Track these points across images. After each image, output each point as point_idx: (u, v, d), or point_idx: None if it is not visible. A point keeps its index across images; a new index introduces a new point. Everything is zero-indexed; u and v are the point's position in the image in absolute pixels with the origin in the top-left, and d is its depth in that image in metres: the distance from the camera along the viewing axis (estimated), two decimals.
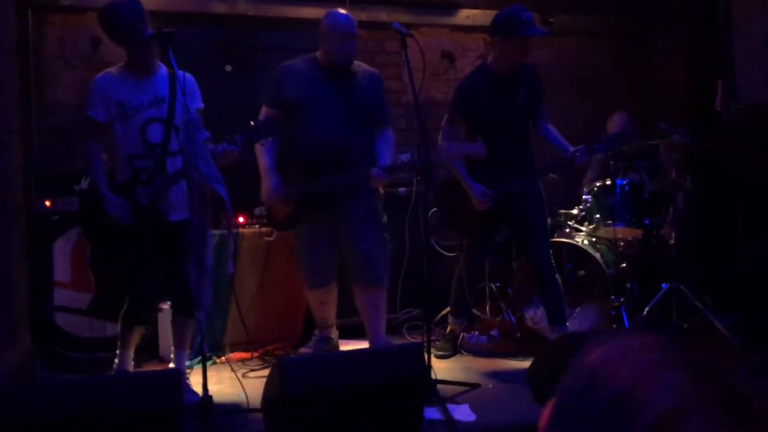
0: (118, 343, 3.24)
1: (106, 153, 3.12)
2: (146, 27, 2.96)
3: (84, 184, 3.74)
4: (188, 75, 3.06)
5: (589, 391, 0.64)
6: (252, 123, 3.08)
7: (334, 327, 3.84)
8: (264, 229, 3.96)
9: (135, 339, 3.25)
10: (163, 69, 3.12)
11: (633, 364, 0.63)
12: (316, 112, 3.37)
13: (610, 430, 0.60)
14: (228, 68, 4.62)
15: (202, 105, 3.15)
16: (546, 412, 0.69)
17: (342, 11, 3.47)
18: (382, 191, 3.60)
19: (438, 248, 4.37)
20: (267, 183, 3.45)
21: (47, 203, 3.77)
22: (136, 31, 2.93)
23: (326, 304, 3.71)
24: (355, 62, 3.54)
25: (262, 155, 3.44)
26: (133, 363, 3.29)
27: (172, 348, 3.25)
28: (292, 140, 3.39)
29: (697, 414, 0.57)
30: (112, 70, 3.11)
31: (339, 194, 3.38)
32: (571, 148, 3.57)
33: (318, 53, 3.48)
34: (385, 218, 3.57)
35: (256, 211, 4.11)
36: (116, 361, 3.24)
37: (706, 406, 0.58)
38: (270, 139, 3.11)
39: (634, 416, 0.59)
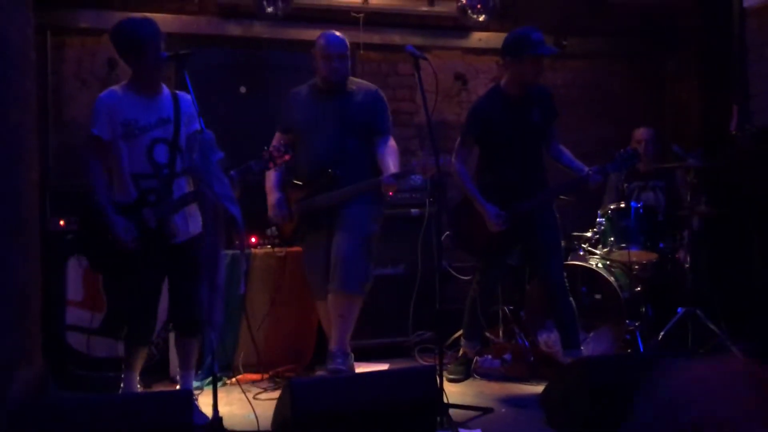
0: (123, 365, 3.22)
1: (107, 171, 3.10)
2: (158, 45, 2.98)
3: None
4: (187, 96, 3.02)
5: (668, 420, 0.59)
6: (265, 153, 3.12)
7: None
8: (277, 249, 3.98)
9: (139, 360, 3.21)
10: (166, 89, 3.13)
11: (716, 393, 0.58)
12: (313, 133, 3.56)
13: None
14: (243, 90, 4.65)
15: (199, 127, 3.16)
16: None
17: (335, 33, 3.63)
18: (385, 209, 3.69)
19: (451, 270, 4.35)
20: (270, 200, 3.66)
21: (61, 222, 3.80)
22: (155, 50, 2.96)
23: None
24: (355, 80, 3.69)
25: (269, 175, 3.64)
26: (140, 386, 3.27)
27: (179, 369, 3.22)
28: (296, 161, 3.49)
29: None
30: (116, 88, 3.10)
31: (336, 204, 3.51)
32: (586, 169, 3.56)
33: (316, 76, 3.67)
34: (375, 228, 3.57)
35: (268, 231, 4.12)
36: (122, 385, 3.21)
37: None
38: (275, 167, 3.19)
39: None
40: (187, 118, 3.05)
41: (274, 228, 4.13)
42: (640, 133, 4.64)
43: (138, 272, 3.02)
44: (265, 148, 3.19)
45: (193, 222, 3.12)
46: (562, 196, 3.98)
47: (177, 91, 3.13)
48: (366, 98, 3.60)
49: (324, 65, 3.55)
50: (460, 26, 4.96)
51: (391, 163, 3.48)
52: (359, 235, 3.46)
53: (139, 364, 3.23)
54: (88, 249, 3.14)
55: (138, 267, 3.01)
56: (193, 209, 3.13)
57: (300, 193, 3.61)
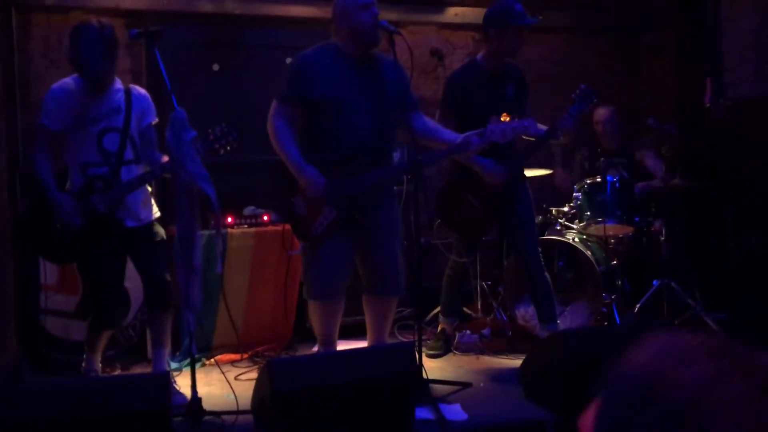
0: (85, 347, 3.26)
1: (55, 159, 3.12)
2: (110, 58, 2.99)
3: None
4: (142, 90, 3.17)
5: (645, 402, 0.57)
6: (218, 129, 3.02)
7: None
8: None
9: (102, 343, 3.28)
10: (120, 84, 3.15)
11: (696, 374, 0.56)
12: (349, 109, 3.06)
13: None
14: (215, 67, 4.58)
15: (155, 119, 3.20)
16: (588, 419, 0.63)
17: None
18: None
19: (440, 247, 4.33)
20: (308, 175, 3.03)
21: None
22: (92, 62, 2.95)
23: (335, 316, 3.32)
24: None
25: (288, 151, 3.07)
26: (101, 365, 3.31)
27: (151, 348, 3.23)
28: (319, 139, 3.11)
29: None
30: (68, 80, 3.11)
31: (369, 200, 3.14)
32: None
33: (337, 41, 3.15)
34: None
35: (245, 211, 4.09)
36: (83, 365, 3.25)
37: None
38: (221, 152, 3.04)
39: None
40: (141, 113, 3.10)
41: (253, 208, 4.09)
42: (599, 114, 4.62)
43: (91, 258, 3.08)
44: (209, 130, 3.00)
45: (146, 210, 3.17)
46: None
47: (131, 86, 3.18)
48: (394, 71, 3.15)
49: (364, 16, 3.02)
50: (436, 1, 4.91)
51: (446, 132, 3.24)
52: (399, 240, 3.37)
53: (101, 346, 3.28)
54: (34, 233, 3.18)
55: (90, 253, 3.06)
56: (148, 198, 3.19)
57: (331, 175, 3.07)
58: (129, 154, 3.08)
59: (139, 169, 3.13)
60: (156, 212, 3.25)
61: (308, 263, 3.23)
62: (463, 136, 3.14)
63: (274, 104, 3.14)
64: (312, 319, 3.40)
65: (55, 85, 3.10)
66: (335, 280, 3.17)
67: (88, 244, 3.03)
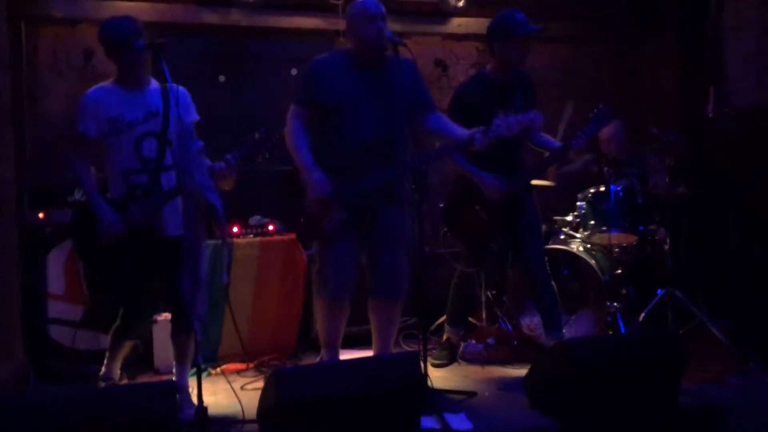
0: (107, 353, 3.24)
1: (97, 168, 3.08)
2: (139, 40, 2.94)
3: (78, 195, 3.72)
4: (181, 88, 3.05)
5: None
6: (257, 135, 3.03)
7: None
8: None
9: (124, 351, 3.26)
10: (155, 82, 3.10)
11: None
12: (355, 113, 3.16)
13: None
14: (221, 79, 4.62)
15: (197, 117, 3.14)
16: None
17: None
18: None
19: (446, 256, 4.34)
20: (314, 177, 3.11)
21: (40, 215, 3.76)
22: (128, 45, 2.92)
23: (341, 319, 3.36)
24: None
25: (299, 151, 3.16)
26: (119, 373, 3.29)
27: (174, 363, 3.21)
28: (329, 141, 3.20)
29: None
30: (104, 84, 3.08)
31: (379, 201, 3.20)
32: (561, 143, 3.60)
33: (349, 46, 3.28)
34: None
35: (251, 220, 4.11)
36: (103, 369, 3.23)
37: None
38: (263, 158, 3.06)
39: None
40: (183, 109, 2.93)
41: (258, 217, 4.12)
42: (605, 133, 4.45)
43: (126, 266, 2.99)
44: (256, 133, 3.04)
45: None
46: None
47: (169, 84, 3.01)
48: (408, 72, 3.20)
49: (369, 28, 3.13)
50: (440, 12, 4.94)
51: (457, 128, 3.24)
52: (406, 245, 3.34)
53: (122, 354, 3.26)
54: (80, 240, 3.11)
55: (126, 260, 2.98)
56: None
57: (339, 177, 3.15)
58: (168, 159, 2.99)
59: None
60: None
61: (321, 263, 3.29)
62: (468, 131, 3.15)
63: (291, 107, 3.24)
64: (318, 321, 3.42)
65: (89, 91, 3.04)
66: (346, 280, 3.23)
67: (124, 253, 2.96)
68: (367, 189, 3.14)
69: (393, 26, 4.55)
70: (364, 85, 3.19)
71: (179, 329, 3.13)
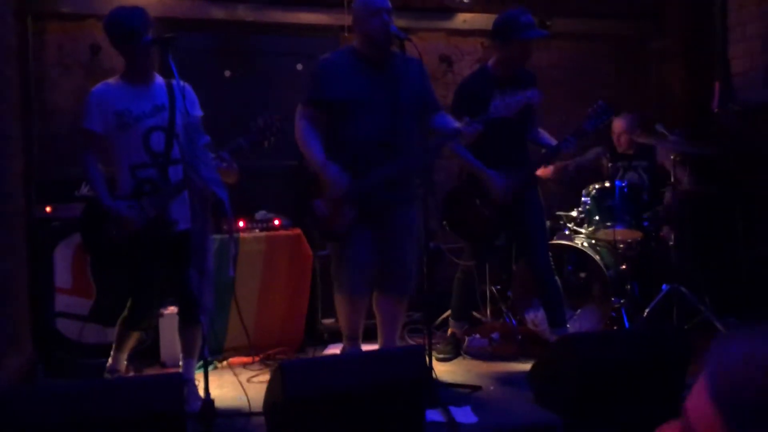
0: (114, 345, 3.25)
1: (105, 164, 3.07)
2: (148, 34, 2.95)
3: (84, 190, 3.74)
4: (187, 84, 3.04)
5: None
6: (261, 121, 3.00)
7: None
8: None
9: (131, 343, 3.27)
10: (160, 78, 3.10)
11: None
12: (363, 110, 3.15)
13: None
14: (227, 74, 4.63)
15: (201, 113, 3.14)
16: (699, 399, 0.63)
17: None
18: None
19: (447, 254, 4.34)
20: (330, 173, 3.09)
21: (48, 209, 3.78)
22: (137, 36, 2.93)
23: (361, 312, 3.41)
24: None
25: (312, 150, 3.16)
26: (125, 364, 3.30)
27: (181, 356, 3.23)
28: (337, 140, 3.19)
29: None
30: (110, 80, 3.08)
31: (389, 197, 3.21)
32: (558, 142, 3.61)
33: (355, 43, 3.27)
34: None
35: (257, 215, 4.13)
36: (109, 361, 3.25)
37: None
38: (268, 143, 3.03)
39: None
40: (189, 104, 2.95)
41: (264, 212, 4.12)
42: (617, 125, 4.61)
43: (136, 260, 3.00)
44: (259, 118, 3.01)
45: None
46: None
47: (173, 80, 3.02)
48: (413, 71, 3.21)
49: (374, 22, 3.13)
50: (445, 7, 4.95)
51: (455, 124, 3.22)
52: (416, 241, 3.37)
53: (129, 346, 3.27)
54: (88, 236, 3.10)
55: (135, 254, 2.99)
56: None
57: (350, 175, 3.14)
58: (176, 152, 2.97)
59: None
60: None
61: (337, 261, 3.33)
62: (455, 125, 3.17)
63: (299, 107, 3.24)
64: (339, 314, 3.47)
65: (95, 87, 3.04)
66: (363, 276, 3.26)
67: (136, 248, 2.96)
68: (376, 185, 3.14)
69: (398, 22, 4.55)
70: (370, 82, 3.18)
71: (187, 322, 3.15)
